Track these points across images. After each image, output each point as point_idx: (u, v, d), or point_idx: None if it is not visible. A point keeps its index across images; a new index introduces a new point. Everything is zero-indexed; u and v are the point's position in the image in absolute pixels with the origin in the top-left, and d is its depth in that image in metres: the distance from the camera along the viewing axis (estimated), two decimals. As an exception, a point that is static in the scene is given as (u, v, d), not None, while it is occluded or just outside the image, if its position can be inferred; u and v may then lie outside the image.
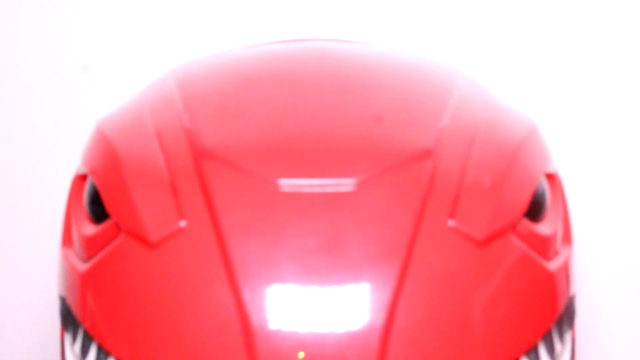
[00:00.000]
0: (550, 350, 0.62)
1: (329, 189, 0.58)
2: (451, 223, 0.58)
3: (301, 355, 0.54)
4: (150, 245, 0.58)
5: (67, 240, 0.68)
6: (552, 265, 0.63)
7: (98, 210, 0.64)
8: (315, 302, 0.55)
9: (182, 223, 0.58)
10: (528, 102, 0.91)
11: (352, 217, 0.57)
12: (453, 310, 0.56)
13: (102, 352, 0.60)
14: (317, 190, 0.58)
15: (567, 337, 0.66)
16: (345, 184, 0.58)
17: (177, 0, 0.96)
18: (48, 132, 0.98)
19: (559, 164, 0.78)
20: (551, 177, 0.68)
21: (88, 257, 0.63)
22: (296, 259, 0.56)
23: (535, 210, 0.63)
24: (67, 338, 0.65)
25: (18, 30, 0.98)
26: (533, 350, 0.60)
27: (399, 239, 0.57)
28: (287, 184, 0.58)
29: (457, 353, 0.56)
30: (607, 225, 0.94)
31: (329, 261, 0.56)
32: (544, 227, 0.64)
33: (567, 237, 0.68)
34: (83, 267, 0.63)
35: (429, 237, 0.57)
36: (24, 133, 0.99)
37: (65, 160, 0.96)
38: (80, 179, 0.69)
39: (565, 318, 0.64)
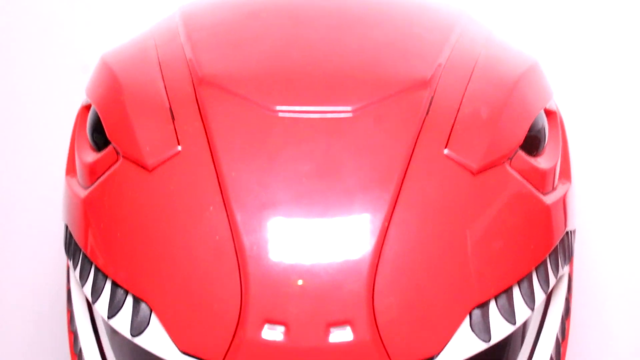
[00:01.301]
0: (544, 281, 0.62)
1: (325, 116, 0.58)
2: (446, 152, 0.58)
3: (299, 282, 0.55)
4: (147, 169, 0.59)
5: (70, 169, 0.69)
6: (549, 199, 0.63)
7: (100, 139, 0.65)
8: (307, 226, 0.55)
9: (179, 148, 0.59)
10: (532, 45, 0.91)
11: (348, 144, 0.57)
12: (445, 235, 0.56)
13: (99, 275, 0.61)
14: (313, 116, 0.58)
15: (564, 271, 0.66)
16: (341, 112, 0.59)
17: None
18: (49, 130, 0.99)
19: (563, 107, 0.78)
20: (551, 114, 0.68)
21: (89, 184, 0.64)
22: (290, 183, 0.56)
23: (532, 144, 0.64)
24: (71, 266, 0.66)
25: (18, 30, 0.98)
26: (526, 280, 0.60)
27: (393, 166, 0.57)
28: (283, 110, 0.59)
29: (446, 278, 0.56)
30: (609, 164, 0.93)
31: (322, 186, 0.56)
32: (541, 162, 0.64)
33: (566, 174, 0.68)
34: (84, 193, 0.64)
35: (423, 164, 0.58)
36: (23, 132, 1.00)
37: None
38: (85, 109, 0.70)
39: (561, 251, 0.65)
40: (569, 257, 0.67)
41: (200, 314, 0.56)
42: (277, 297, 0.54)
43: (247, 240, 0.55)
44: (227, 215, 0.56)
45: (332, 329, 0.54)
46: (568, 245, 0.67)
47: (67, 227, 0.67)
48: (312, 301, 0.54)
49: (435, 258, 0.56)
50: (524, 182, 0.61)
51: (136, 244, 0.58)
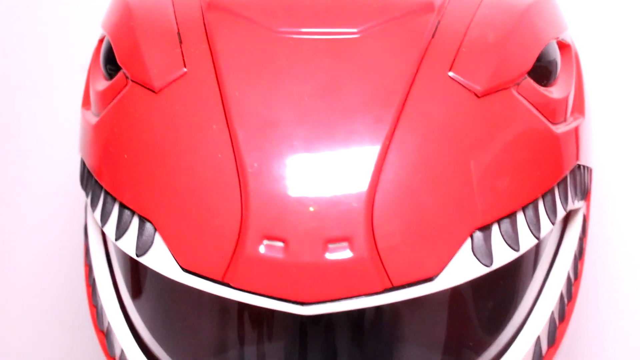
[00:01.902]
0: (552, 211, 0.61)
1: (330, 37, 0.58)
2: (451, 74, 0.58)
3: (299, 199, 0.55)
4: (154, 91, 0.60)
5: (86, 101, 0.70)
6: (558, 129, 0.63)
7: (112, 69, 0.65)
8: (308, 144, 0.56)
9: (185, 69, 0.59)
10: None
11: (351, 64, 0.57)
12: (446, 155, 0.56)
13: (108, 198, 0.62)
14: (318, 37, 0.59)
15: (575, 205, 0.65)
16: (346, 33, 0.59)
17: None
18: (50, 129, 1.01)
19: (587, 51, 0.77)
20: (565, 47, 0.67)
21: (100, 111, 0.64)
22: (292, 102, 0.56)
23: (543, 73, 0.63)
24: (85, 197, 0.67)
25: (19, 31, 1.00)
26: (531, 206, 0.60)
27: (396, 86, 0.57)
28: (288, 31, 0.59)
29: (447, 199, 0.56)
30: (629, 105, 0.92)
31: (324, 105, 0.56)
32: (552, 91, 0.63)
33: (580, 109, 0.68)
34: (95, 120, 0.65)
35: (426, 85, 0.57)
36: (25, 133, 1.01)
37: (68, 158, 0.98)
38: (100, 43, 0.71)
39: (571, 184, 0.64)
40: (582, 193, 0.67)
41: (202, 231, 0.56)
42: (277, 213, 0.55)
43: (248, 158, 0.55)
44: (230, 134, 0.56)
45: (330, 246, 0.54)
46: (581, 180, 0.66)
47: (82, 160, 0.68)
48: (311, 218, 0.54)
49: (436, 178, 0.56)
50: (532, 108, 0.61)
51: (141, 164, 0.59)
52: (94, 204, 0.63)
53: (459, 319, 0.61)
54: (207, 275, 0.56)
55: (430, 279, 0.56)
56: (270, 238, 0.55)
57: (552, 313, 0.65)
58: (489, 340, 0.62)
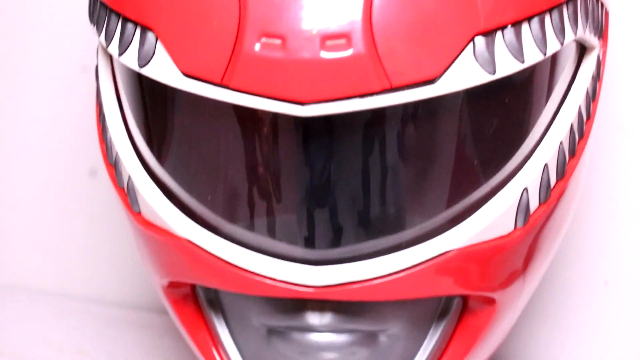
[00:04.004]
0: (559, 28, 0.60)
1: None
2: None
3: (310, 5, 0.54)
4: None
5: None
6: None
7: None
8: None
9: None
10: None
11: None
12: None
13: (112, 16, 0.62)
14: None
15: (587, 35, 0.64)
16: None
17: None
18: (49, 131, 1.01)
19: None
20: None
21: None
22: None
23: None
24: (94, 31, 0.67)
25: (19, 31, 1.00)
26: (537, 19, 0.59)
27: None
28: None
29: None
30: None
31: None
32: None
33: None
34: None
35: None
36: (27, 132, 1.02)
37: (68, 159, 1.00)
38: None
39: (582, 10, 0.63)
40: (595, 26, 0.65)
41: (201, 33, 0.56)
42: (274, 10, 0.54)
43: None
44: None
45: (328, 43, 0.54)
46: (594, 11, 0.65)
47: None
48: (308, 14, 0.54)
49: None
50: None
51: None
52: (99, 28, 0.63)
53: (465, 135, 0.60)
54: (206, 79, 0.56)
55: (431, 82, 0.55)
56: (268, 35, 0.54)
57: (562, 144, 0.64)
58: (496, 162, 0.62)
